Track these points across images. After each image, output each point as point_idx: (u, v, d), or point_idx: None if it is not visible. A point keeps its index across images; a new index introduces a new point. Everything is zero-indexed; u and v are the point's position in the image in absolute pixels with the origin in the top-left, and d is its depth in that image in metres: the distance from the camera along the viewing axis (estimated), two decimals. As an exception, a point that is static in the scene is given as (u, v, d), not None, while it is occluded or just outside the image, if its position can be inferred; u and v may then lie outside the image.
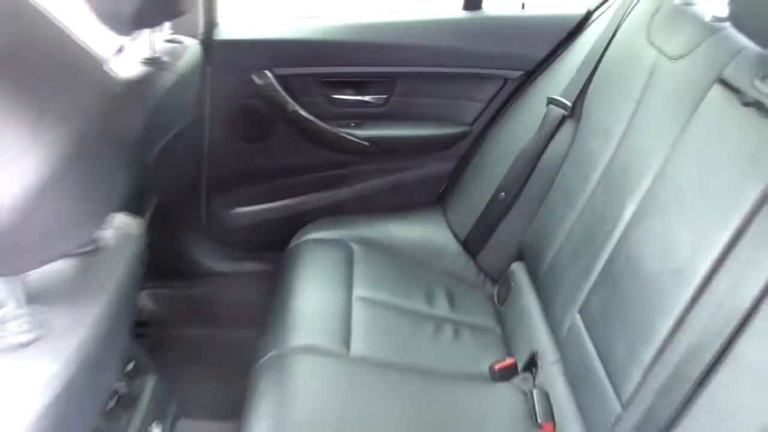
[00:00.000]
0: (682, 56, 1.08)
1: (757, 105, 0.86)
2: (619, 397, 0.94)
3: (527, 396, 1.16)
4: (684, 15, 1.15)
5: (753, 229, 0.81)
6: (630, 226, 1.04)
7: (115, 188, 0.53)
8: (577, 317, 1.12)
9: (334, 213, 1.63)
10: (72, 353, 0.52)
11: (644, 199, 1.03)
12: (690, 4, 1.16)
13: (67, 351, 0.52)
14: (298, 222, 1.58)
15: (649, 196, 1.02)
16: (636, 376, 0.92)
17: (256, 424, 1.03)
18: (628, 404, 0.92)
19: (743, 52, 0.95)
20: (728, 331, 0.77)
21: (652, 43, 1.18)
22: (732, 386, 0.77)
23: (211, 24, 1.46)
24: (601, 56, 1.36)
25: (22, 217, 0.43)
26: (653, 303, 0.92)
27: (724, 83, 0.95)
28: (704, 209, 0.89)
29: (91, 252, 0.59)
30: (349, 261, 1.44)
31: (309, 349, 1.17)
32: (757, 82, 0.88)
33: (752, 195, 0.81)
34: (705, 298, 0.83)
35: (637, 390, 0.91)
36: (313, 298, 1.31)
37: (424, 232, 1.60)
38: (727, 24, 1.04)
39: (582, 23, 1.51)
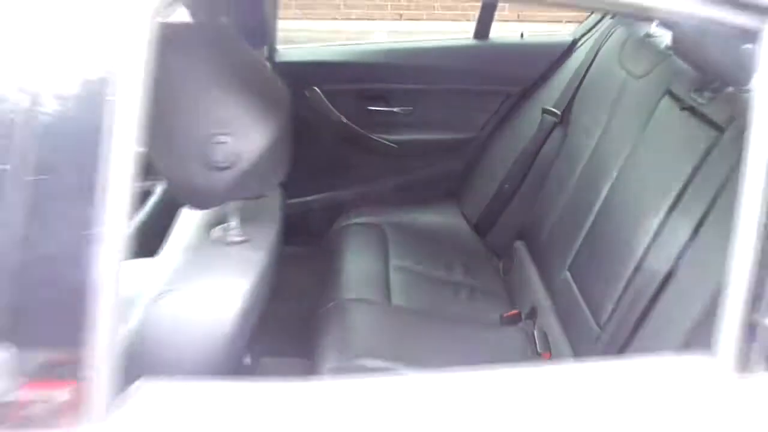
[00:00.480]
0: (643, 76, 1.44)
1: (690, 109, 1.22)
2: (598, 323, 1.29)
3: (529, 335, 1.50)
4: (645, 45, 1.51)
5: (687, 194, 1.16)
6: (606, 199, 1.39)
7: (288, 155, 0.88)
8: (567, 273, 1.46)
9: (367, 204, 1.94)
10: (264, 253, 0.87)
11: (616, 179, 1.38)
12: (650, 37, 1.53)
13: (261, 252, 0.87)
14: (335, 212, 1.91)
15: (620, 176, 1.37)
16: (610, 305, 1.25)
17: (326, 355, 1.35)
18: (604, 326, 1.26)
19: (684, 72, 1.31)
20: (670, 263, 1.12)
21: (622, 66, 1.54)
22: (672, 302, 1.12)
23: (272, 49, 1.81)
24: (584, 76, 1.72)
25: (258, 162, 0.78)
26: (623, 251, 1.26)
27: (671, 95, 1.31)
28: (656, 183, 1.24)
29: (261, 197, 0.94)
30: (384, 240, 1.78)
31: (360, 300, 1.51)
32: (692, 94, 1.24)
33: (686, 171, 1.16)
34: (657, 241, 1.18)
35: (610, 315, 1.25)
36: (359, 265, 1.65)
37: (442, 218, 1.94)
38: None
39: (569, 50, 1.86)
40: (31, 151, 0.56)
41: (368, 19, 4.76)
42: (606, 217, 1.38)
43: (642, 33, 1.55)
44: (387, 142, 1.92)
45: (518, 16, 3.98)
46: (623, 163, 1.38)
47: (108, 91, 0.57)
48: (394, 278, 1.62)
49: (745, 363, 0.65)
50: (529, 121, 1.83)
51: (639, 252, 1.22)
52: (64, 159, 0.57)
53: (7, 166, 0.56)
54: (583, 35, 1.85)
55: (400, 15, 4.90)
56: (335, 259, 1.69)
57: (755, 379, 0.66)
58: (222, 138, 0.75)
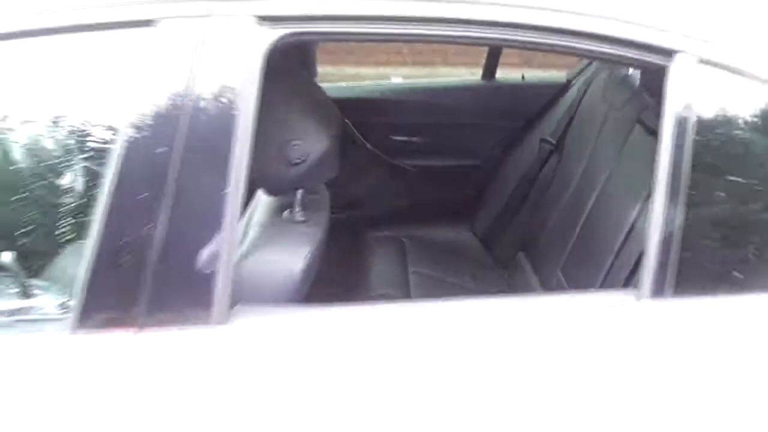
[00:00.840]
0: (620, 108, 1.73)
1: (655, 134, 1.50)
2: None
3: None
4: (623, 83, 1.81)
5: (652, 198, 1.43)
6: (591, 210, 1.66)
7: (337, 158, 1.17)
8: (560, 273, 1.72)
9: (389, 220, 2.23)
10: (319, 230, 1.16)
11: (600, 192, 1.65)
12: (628, 77, 1.83)
13: (317, 229, 1.15)
14: (362, 226, 2.20)
15: (602, 190, 1.64)
16: None
17: None
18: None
19: (651, 105, 1.60)
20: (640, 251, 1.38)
21: (605, 101, 1.84)
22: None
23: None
24: (576, 110, 2.02)
25: (320, 160, 1.08)
26: (603, 248, 1.52)
27: (641, 122, 1.60)
28: (630, 192, 1.51)
29: (316, 192, 1.23)
30: (403, 250, 2.05)
31: (384, 296, 1.78)
32: (657, 121, 1.52)
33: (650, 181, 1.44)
34: (630, 237, 1.44)
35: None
36: (383, 269, 1.92)
37: (454, 233, 2.21)
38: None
39: (563, 89, 2.16)
40: (184, 138, 0.86)
41: (386, 65, 5.12)
42: (591, 224, 1.66)
43: (622, 74, 1.85)
44: (407, 167, 2.21)
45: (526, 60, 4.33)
46: (605, 179, 1.66)
47: (234, 106, 0.87)
48: (413, 281, 1.89)
49: (658, 292, 0.93)
50: (530, 150, 2.12)
51: (616, 246, 1.48)
52: (205, 145, 0.86)
53: (166, 149, 0.86)
54: (574, 77, 2.16)
55: (414, 61, 5.27)
56: (363, 265, 1.97)
57: (664, 303, 0.93)
58: (296, 142, 1.05)
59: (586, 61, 2.16)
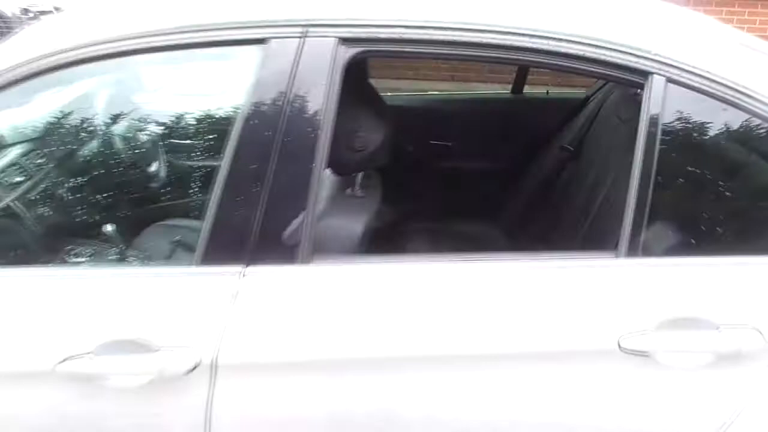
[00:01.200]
0: (628, 120, 2.01)
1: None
2: None
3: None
4: (633, 98, 2.09)
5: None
6: (599, 208, 1.95)
7: (388, 147, 1.49)
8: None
9: (423, 214, 2.53)
10: (374, 204, 1.47)
11: (607, 191, 1.94)
12: (637, 94, 2.10)
13: (373, 202, 1.47)
14: (398, 219, 2.50)
15: (609, 190, 1.93)
16: None
17: None
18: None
19: None
20: None
21: (616, 114, 2.13)
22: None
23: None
24: (592, 121, 2.31)
25: (377, 148, 1.39)
26: (608, 241, 1.80)
27: None
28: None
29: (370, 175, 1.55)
30: (434, 241, 2.35)
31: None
32: (656, 131, 1.81)
33: None
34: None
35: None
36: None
37: (481, 228, 2.51)
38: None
39: (583, 103, 2.46)
40: (283, 125, 1.18)
41: (424, 80, 5.46)
42: (598, 219, 1.94)
43: (631, 92, 2.14)
44: (442, 168, 2.52)
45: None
46: (612, 181, 1.95)
47: (320, 103, 1.19)
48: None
49: (632, 253, 1.22)
50: (551, 155, 2.41)
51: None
52: (298, 130, 1.19)
53: (270, 133, 1.19)
54: (593, 93, 2.45)
55: (452, 77, 5.60)
56: (400, 252, 2.28)
57: (636, 261, 1.22)
58: (360, 133, 1.37)
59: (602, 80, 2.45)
